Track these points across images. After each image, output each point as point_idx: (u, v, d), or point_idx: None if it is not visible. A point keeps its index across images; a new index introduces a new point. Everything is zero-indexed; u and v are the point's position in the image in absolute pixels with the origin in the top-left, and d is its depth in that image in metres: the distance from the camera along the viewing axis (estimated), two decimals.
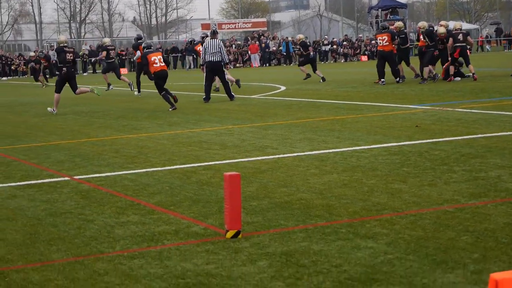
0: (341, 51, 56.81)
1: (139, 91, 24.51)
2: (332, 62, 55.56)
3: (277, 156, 9.82)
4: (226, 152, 10.36)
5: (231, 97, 19.97)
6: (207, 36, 25.08)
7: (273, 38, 57.73)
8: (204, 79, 20.33)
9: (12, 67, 53.04)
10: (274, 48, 55.31)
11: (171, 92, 18.50)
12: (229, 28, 66.22)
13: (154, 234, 6.00)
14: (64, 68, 18.03)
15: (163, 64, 18.58)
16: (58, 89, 18.44)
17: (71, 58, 18.37)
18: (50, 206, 7.27)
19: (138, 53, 24.05)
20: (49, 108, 18.77)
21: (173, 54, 56.23)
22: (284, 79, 30.28)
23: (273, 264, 5.06)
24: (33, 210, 7.12)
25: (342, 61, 55.82)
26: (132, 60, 26.20)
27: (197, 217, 6.55)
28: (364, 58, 55.98)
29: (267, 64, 54.36)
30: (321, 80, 27.09)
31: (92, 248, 5.67)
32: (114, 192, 7.82)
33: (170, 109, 17.92)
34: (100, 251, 5.57)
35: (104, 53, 26.60)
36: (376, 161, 9.00)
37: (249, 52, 54.57)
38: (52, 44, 52.59)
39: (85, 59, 53.99)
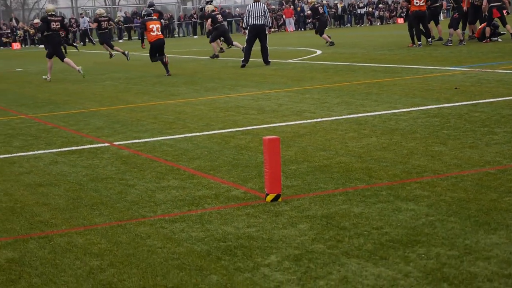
0: (377, 13, 56.17)
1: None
2: (367, 25, 55.01)
3: (315, 120, 9.80)
4: (263, 117, 10.35)
5: (267, 62, 19.90)
6: (207, 2, 25.57)
7: (308, 2, 57.25)
8: (248, 41, 20.05)
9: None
10: (309, 12, 54.87)
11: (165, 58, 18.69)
12: None
13: (194, 198, 6.04)
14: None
15: (160, 33, 18.63)
16: (50, 55, 19.22)
17: (57, 26, 18.90)
18: (91, 171, 7.35)
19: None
20: (43, 76, 19.71)
21: None
22: (319, 43, 30.08)
23: (314, 227, 5.07)
24: (75, 175, 7.21)
25: (378, 24, 55.23)
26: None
27: (236, 181, 6.57)
28: (400, 20, 55.23)
29: (302, 29, 54.00)
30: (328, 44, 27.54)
31: (134, 213, 5.73)
32: (153, 158, 7.87)
33: (166, 75, 18.56)
34: (142, 215, 5.63)
35: (95, 24, 26.71)
36: (415, 123, 8.94)
37: (284, 16, 54.22)
38: (81, 12, 52.71)
39: (120, 26, 54.12)
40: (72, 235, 5.22)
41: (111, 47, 25.87)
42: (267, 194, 5.78)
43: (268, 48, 20.11)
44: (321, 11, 29.14)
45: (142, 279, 4.26)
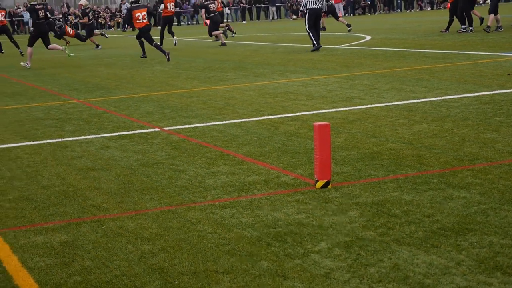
0: None
1: (161, 44, 23.72)
2: (418, 10, 54.32)
3: (364, 106, 9.73)
4: (313, 103, 10.32)
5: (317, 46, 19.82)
6: None
7: None
8: (306, 27, 19.91)
9: (100, 20, 53.87)
10: None
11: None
12: None
13: (244, 184, 6.06)
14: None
15: (146, 20, 19.92)
16: (31, 43, 19.86)
17: (43, 14, 19.48)
18: (142, 156, 7.41)
19: (162, 5, 24.58)
20: (22, 63, 20.47)
21: (257, 5, 56.02)
22: (369, 29, 29.84)
23: (364, 214, 5.05)
24: (125, 160, 7.28)
25: (429, 9, 54.51)
26: (159, 11, 26.62)
27: (286, 167, 6.57)
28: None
29: (352, 14, 53.60)
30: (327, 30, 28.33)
31: (184, 198, 5.77)
32: (203, 143, 7.91)
33: (141, 56, 20.52)
34: (192, 201, 5.67)
35: (86, 18, 27.47)
36: (467, 110, 8.82)
37: (333, 1, 53.85)
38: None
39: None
40: (123, 219, 5.28)
41: (88, 37, 27.40)
42: (317, 181, 5.77)
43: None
44: None
45: (193, 264, 4.29)
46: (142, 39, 20.53)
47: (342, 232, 4.71)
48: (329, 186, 5.76)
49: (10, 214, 5.58)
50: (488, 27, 22.30)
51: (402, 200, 5.30)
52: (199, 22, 54.37)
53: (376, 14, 52.27)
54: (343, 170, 6.31)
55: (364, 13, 53.93)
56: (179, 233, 4.90)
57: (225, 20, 26.22)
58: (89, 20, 27.82)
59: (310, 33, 19.83)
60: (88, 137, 8.70)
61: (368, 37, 24.39)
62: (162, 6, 24.54)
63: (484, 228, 4.59)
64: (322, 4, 19.87)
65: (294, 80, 13.35)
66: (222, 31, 26.46)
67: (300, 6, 21.40)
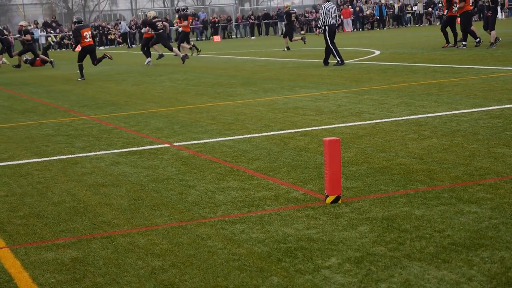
0: (436, 13, 55.50)
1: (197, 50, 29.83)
2: (427, 25, 54.37)
3: (374, 121, 9.73)
4: (322, 118, 10.33)
5: (326, 63, 19.85)
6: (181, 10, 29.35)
7: (366, 2, 56.90)
8: (328, 42, 19.83)
9: (109, 37, 54.13)
10: (368, 12, 54.55)
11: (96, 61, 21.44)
12: None
13: (254, 200, 6.06)
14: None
15: (91, 39, 21.16)
16: None
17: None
18: (152, 172, 7.43)
19: (186, 22, 27.96)
20: None
21: (265, 21, 56.19)
22: (378, 44, 29.87)
23: (375, 229, 5.04)
24: (136, 176, 7.30)
25: (438, 23, 54.56)
26: (178, 30, 28.65)
27: (296, 182, 6.57)
28: None
29: (361, 29, 53.69)
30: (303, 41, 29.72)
31: (195, 213, 5.77)
32: (213, 159, 7.92)
33: (78, 79, 20.84)
34: (202, 216, 5.67)
35: (28, 36, 27.84)
36: (477, 125, 8.81)
37: (342, 17, 53.99)
38: (145, 13, 53.25)
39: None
40: (134, 235, 5.29)
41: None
42: (327, 196, 5.76)
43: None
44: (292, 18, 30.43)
45: (204, 280, 4.29)
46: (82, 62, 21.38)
47: (353, 247, 4.70)
48: (339, 201, 5.76)
49: (21, 230, 5.59)
50: (492, 43, 22.25)
51: (412, 215, 5.28)
52: (208, 38, 54.59)
53: (385, 29, 52.33)
54: (353, 185, 6.30)
55: (372, 28, 54.00)
56: (190, 248, 4.90)
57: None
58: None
59: (334, 49, 19.76)
60: (98, 153, 8.73)
61: (377, 52, 24.42)
62: (185, 22, 28.13)
63: (496, 243, 4.57)
64: (336, 19, 19.99)
65: (304, 95, 13.36)
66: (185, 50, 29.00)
67: (318, 22, 21.57)
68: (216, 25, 54.25)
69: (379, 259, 4.44)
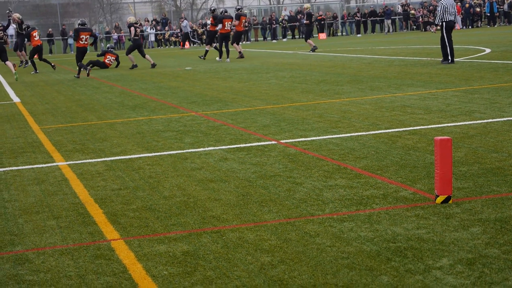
0: None
1: (227, 56, 27.79)
2: None
3: (485, 120, 9.51)
4: (431, 117, 10.16)
5: (447, 60, 19.34)
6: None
7: None
8: (445, 39, 19.21)
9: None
10: (478, 9, 53.21)
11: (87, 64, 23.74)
12: None
13: (362, 198, 6.03)
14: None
15: (86, 42, 23.50)
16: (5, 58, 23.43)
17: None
18: (260, 168, 7.50)
19: (221, 25, 27.72)
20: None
21: (371, 18, 55.67)
22: (488, 41, 29.12)
23: (487, 231, 4.93)
24: (244, 172, 7.38)
25: None
26: (217, 29, 28.66)
27: (405, 181, 6.50)
28: None
29: (471, 26, 52.44)
30: (311, 51, 30.32)
31: (302, 210, 5.80)
32: (320, 156, 7.92)
33: (75, 75, 23.21)
34: (310, 214, 5.69)
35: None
36: None
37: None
38: (250, 10, 53.63)
39: (284, 25, 54.72)
40: (243, 230, 5.36)
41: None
42: (437, 196, 5.67)
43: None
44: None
45: (313, 277, 4.31)
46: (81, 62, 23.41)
47: (465, 248, 4.62)
48: (450, 202, 5.66)
49: (134, 223, 5.75)
50: None
51: None
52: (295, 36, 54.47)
53: (495, 26, 50.94)
54: (464, 186, 6.18)
55: (481, 24, 52.63)
56: (298, 245, 4.92)
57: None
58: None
59: (449, 46, 19.36)
60: (206, 149, 8.87)
61: (488, 50, 23.82)
62: (220, 25, 27.77)
63: None
64: (454, 16, 19.47)
65: (411, 93, 13.18)
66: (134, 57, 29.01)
67: (434, 18, 21.09)
68: (322, 22, 54.11)
69: (492, 261, 4.35)
